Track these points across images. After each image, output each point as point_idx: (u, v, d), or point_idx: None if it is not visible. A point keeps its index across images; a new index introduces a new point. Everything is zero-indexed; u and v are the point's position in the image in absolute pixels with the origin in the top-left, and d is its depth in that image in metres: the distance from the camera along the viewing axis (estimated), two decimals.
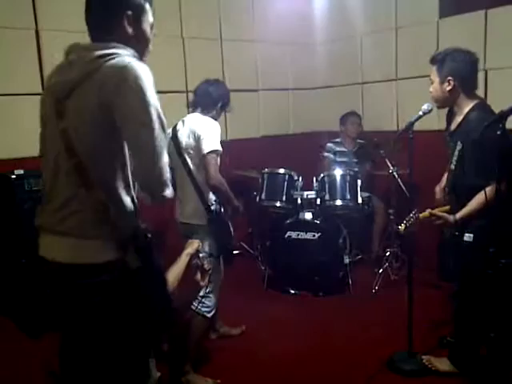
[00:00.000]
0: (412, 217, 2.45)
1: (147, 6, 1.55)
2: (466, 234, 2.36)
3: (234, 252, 2.72)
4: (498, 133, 1.91)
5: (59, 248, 1.48)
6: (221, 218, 2.68)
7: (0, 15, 3.33)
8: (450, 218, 2.36)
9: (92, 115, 1.42)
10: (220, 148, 2.69)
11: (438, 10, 4.06)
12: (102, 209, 1.45)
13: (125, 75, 1.38)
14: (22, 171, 3.24)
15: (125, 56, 1.45)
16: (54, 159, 1.48)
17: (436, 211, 2.42)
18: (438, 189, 2.74)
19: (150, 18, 1.57)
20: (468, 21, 3.83)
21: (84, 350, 1.52)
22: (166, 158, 1.45)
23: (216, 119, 2.86)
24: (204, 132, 2.68)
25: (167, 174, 1.46)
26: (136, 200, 1.57)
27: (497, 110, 2.03)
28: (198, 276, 2.22)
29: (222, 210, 2.71)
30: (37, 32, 3.53)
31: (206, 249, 2.57)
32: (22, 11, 3.46)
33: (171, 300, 1.67)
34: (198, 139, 2.67)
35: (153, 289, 1.58)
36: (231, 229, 2.72)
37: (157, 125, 1.41)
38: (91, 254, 1.46)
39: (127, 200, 1.51)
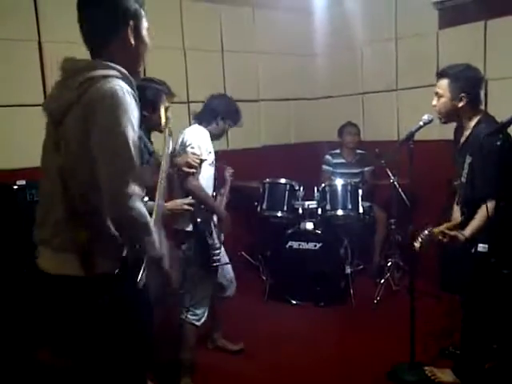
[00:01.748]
0: (428, 234, 2.41)
1: (142, 11, 1.54)
2: (480, 245, 2.32)
3: (215, 264, 2.73)
4: (498, 143, 1.92)
5: (51, 259, 1.50)
6: (201, 236, 2.70)
7: (3, 27, 3.35)
8: (460, 236, 2.32)
9: (80, 142, 1.42)
10: (204, 156, 2.76)
11: (438, 21, 4.09)
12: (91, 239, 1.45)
13: (104, 99, 1.38)
14: (23, 182, 3.25)
15: (110, 78, 1.43)
16: (51, 187, 1.49)
17: (447, 230, 2.38)
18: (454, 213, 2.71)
19: (145, 22, 1.56)
20: (467, 32, 3.85)
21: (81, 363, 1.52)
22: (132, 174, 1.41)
23: (217, 132, 2.96)
24: (191, 139, 2.78)
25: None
26: None
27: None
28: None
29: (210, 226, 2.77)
30: (39, 43, 3.56)
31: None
32: (25, 23, 3.49)
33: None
34: (184, 146, 2.78)
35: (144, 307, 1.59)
36: (209, 246, 2.70)
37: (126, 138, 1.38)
38: (85, 267, 1.45)
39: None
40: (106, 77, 1.42)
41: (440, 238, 2.36)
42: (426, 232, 2.42)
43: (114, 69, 1.46)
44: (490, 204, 2.12)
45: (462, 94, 2.37)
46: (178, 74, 4.25)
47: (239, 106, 3.08)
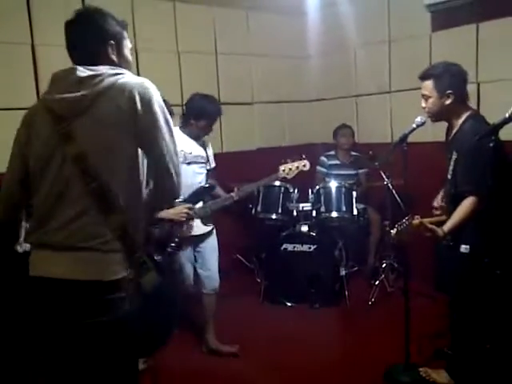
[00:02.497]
0: (404, 222, 2.42)
1: (125, 33, 1.67)
2: (463, 246, 2.36)
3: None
4: (491, 145, 1.94)
5: (67, 264, 1.46)
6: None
7: None
8: (439, 231, 2.35)
9: (109, 131, 1.46)
10: None
11: (431, 24, 4.12)
12: (119, 231, 1.46)
13: (147, 89, 1.51)
14: None
15: (131, 75, 1.57)
16: (57, 182, 1.48)
17: (425, 221, 2.39)
18: (435, 202, 2.74)
19: (128, 43, 1.68)
20: (460, 34, 3.87)
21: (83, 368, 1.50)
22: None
23: (195, 132, 3.08)
24: None
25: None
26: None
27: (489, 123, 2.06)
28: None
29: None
30: (33, 47, 3.55)
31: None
32: (18, 26, 3.48)
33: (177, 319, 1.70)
34: None
35: (163, 308, 1.59)
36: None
37: (171, 136, 1.55)
38: (105, 270, 1.45)
39: (142, 219, 1.55)
40: (127, 74, 1.58)
41: (418, 229, 2.37)
42: (404, 221, 2.42)
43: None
44: (471, 200, 2.15)
45: (449, 91, 2.40)
46: (171, 77, 4.25)
47: (212, 102, 3.11)
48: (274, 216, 3.96)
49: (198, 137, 3.13)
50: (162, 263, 1.58)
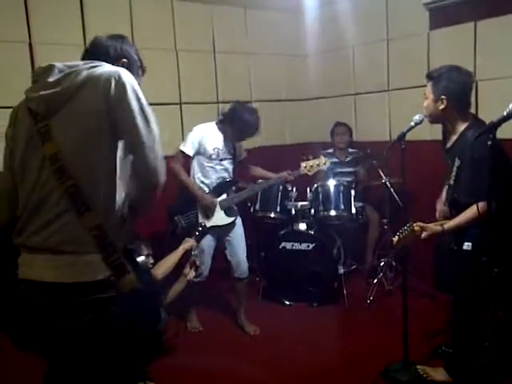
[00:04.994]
0: (406, 229, 2.42)
1: (139, 64, 1.72)
2: (465, 243, 2.37)
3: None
4: (489, 143, 1.94)
5: (44, 266, 1.45)
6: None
7: None
8: (438, 228, 2.35)
9: (90, 122, 1.45)
10: (185, 148, 3.24)
11: (429, 22, 4.11)
12: (96, 231, 1.44)
13: (122, 77, 1.48)
14: None
15: (109, 65, 1.54)
16: (37, 183, 1.46)
17: (421, 223, 2.39)
18: (438, 206, 2.74)
19: (139, 77, 1.71)
20: (458, 33, 3.87)
21: (73, 370, 1.50)
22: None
23: (229, 134, 3.32)
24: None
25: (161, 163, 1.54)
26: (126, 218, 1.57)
27: (487, 121, 2.06)
28: (187, 270, 2.63)
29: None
30: (30, 45, 3.53)
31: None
32: (16, 24, 3.46)
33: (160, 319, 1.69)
34: None
35: (143, 309, 1.58)
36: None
37: (153, 120, 1.52)
38: (84, 272, 1.44)
39: (120, 218, 1.53)
40: (105, 64, 1.56)
41: (419, 231, 2.37)
42: (406, 227, 2.42)
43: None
44: (482, 205, 2.13)
45: (442, 97, 2.37)
46: (170, 76, 4.24)
47: (256, 122, 3.30)
48: (272, 214, 3.96)
49: (231, 139, 3.37)
50: (142, 265, 1.58)
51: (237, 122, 3.25)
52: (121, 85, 1.46)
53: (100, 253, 1.45)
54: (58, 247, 1.43)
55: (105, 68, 1.51)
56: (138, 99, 1.49)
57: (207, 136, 3.28)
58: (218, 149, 3.29)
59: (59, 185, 1.43)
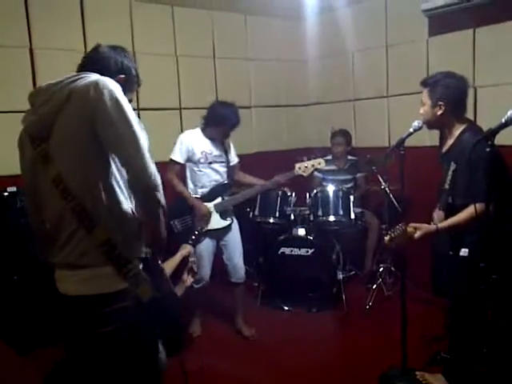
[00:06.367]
0: (398, 228, 2.43)
1: (136, 79, 1.71)
2: (462, 249, 2.37)
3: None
4: (488, 149, 1.94)
5: (68, 281, 1.53)
6: None
7: None
8: (431, 226, 2.36)
9: (78, 137, 1.45)
10: (174, 155, 3.29)
11: (428, 29, 4.13)
12: (105, 246, 1.48)
13: (98, 86, 1.45)
14: (14, 188, 3.23)
15: (93, 75, 1.51)
16: (51, 205, 1.51)
17: (415, 223, 2.40)
18: (435, 215, 2.74)
19: (133, 92, 1.71)
20: (456, 39, 3.89)
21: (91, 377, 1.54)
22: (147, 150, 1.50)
23: (212, 135, 3.34)
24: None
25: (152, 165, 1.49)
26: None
27: (486, 128, 2.06)
28: (185, 276, 2.59)
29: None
30: (31, 50, 3.55)
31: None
32: (16, 29, 3.48)
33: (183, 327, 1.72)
34: None
35: (163, 318, 1.61)
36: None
37: (134, 124, 1.47)
38: (102, 284, 1.49)
39: (132, 229, 1.55)
40: (89, 75, 1.53)
41: (412, 232, 2.37)
42: (398, 226, 2.42)
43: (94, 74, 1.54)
44: (479, 206, 2.14)
45: (440, 102, 2.40)
46: (170, 81, 4.26)
47: (234, 111, 3.30)
48: (271, 220, 3.97)
49: (218, 139, 3.37)
50: (156, 275, 1.59)
51: (216, 118, 3.27)
52: (98, 94, 1.44)
53: (113, 265, 1.49)
54: (76, 262, 1.49)
55: (88, 79, 1.49)
56: (118, 106, 1.45)
57: (193, 141, 3.32)
58: (206, 152, 3.31)
59: (66, 204, 1.47)
